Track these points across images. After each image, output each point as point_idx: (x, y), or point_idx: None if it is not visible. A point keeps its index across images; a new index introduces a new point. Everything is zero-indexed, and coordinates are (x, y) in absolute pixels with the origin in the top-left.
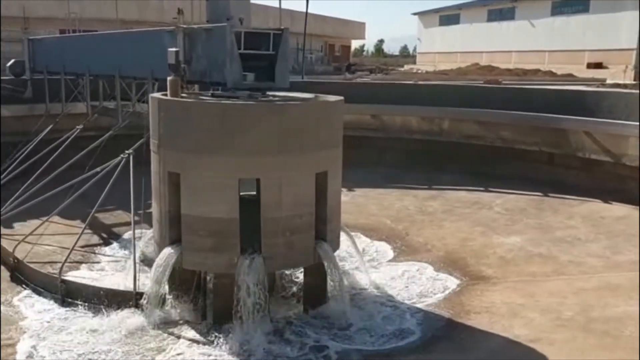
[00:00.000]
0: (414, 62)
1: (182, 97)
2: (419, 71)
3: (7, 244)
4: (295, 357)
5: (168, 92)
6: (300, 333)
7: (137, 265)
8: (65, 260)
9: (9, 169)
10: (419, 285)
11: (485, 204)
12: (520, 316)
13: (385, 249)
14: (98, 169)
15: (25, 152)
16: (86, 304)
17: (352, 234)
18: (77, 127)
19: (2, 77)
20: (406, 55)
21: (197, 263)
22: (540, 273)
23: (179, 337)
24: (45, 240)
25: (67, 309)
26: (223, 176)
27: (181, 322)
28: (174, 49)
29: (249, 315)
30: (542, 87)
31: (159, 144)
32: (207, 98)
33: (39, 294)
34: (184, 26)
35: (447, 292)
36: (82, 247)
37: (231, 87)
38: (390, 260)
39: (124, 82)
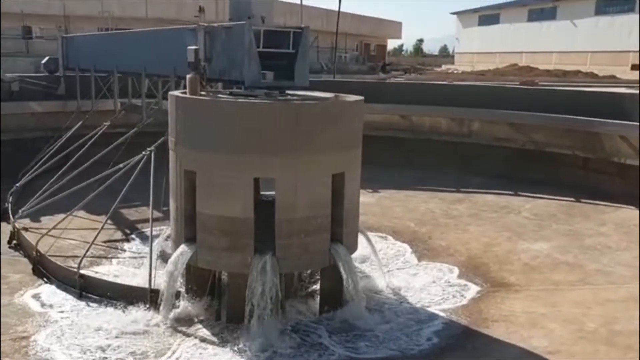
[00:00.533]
0: (453, 63)
1: (201, 95)
2: (455, 71)
3: (32, 238)
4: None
5: (187, 90)
6: (313, 336)
7: (156, 262)
8: (84, 255)
9: (39, 163)
10: (438, 290)
11: (514, 208)
12: (540, 326)
13: (407, 253)
14: (121, 165)
15: (55, 148)
16: (103, 299)
17: (374, 235)
18: (105, 123)
19: (36, 74)
20: (445, 55)
21: (210, 262)
22: (565, 282)
23: (190, 335)
24: (69, 234)
25: (84, 303)
26: (238, 175)
27: (195, 320)
28: (193, 47)
29: (261, 316)
30: (577, 89)
31: (175, 141)
32: (224, 96)
33: (59, 287)
34: (205, 24)
35: (466, 298)
36: (105, 242)
37: (249, 85)
38: (410, 264)
39: (150, 80)
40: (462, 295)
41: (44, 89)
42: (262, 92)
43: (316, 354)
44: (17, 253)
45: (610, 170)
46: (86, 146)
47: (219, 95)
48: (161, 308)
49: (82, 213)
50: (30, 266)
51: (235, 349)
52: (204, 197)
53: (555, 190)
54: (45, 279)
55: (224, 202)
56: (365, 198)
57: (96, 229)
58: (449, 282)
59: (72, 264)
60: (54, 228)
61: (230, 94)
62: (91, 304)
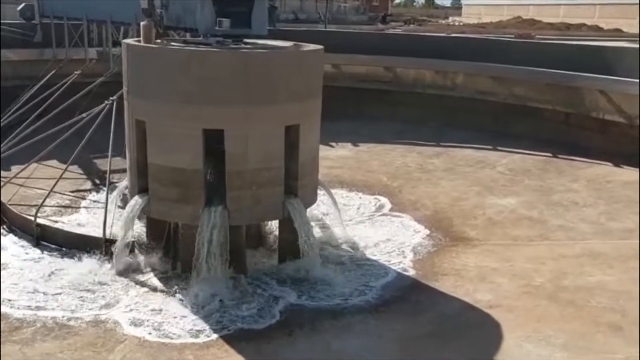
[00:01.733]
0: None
1: (156, 43)
2: (456, 23)
3: None
4: (246, 308)
5: (141, 38)
6: (262, 286)
7: (116, 212)
8: (42, 203)
9: (10, 112)
10: (396, 243)
11: (489, 163)
12: (488, 280)
13: (372, 207)
14: (84, 115)
15: (27, 97)
16: (60, 248)
17: (345, 189)
18: (75, 72)
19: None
20: (458, 7)
21: (163, 213)
22: (524, 237)
23: (139, 285)
24: (38, 183)
25: (39, 252)
26: (186, 126)
27: (149, 270)
28: None
29: (211, 267)
30: (561, 42)
31: (128, 90)
32: (176, 44)
33: (17, 235)
34: None
35: (423, 252)
36: (73, 191)
37: (203, 33)
38: (375, 218)
39: (117, 29)
40: (420, 249)
41: (20, 36)
42: (214, 41)
43: (262, 301)
44: None
45: (591, 125)
46: (54, 95)
47: (172, 44)
48: (113, 258)
49: (54, 162)
50: None
51: (182, 298)
52: (154, 148)
53: (534, 145)
54: (4, 227)
55: (173, 153)
56: (343, 151)
57: (65, 178)
58: (409, 235)
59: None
60: (15, 177)
61: (184, 42)
62: (46, 253)
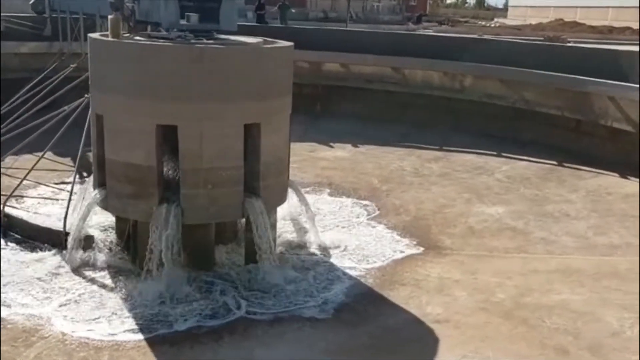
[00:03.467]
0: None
1: (122, 37)
2: (491, 25)
3: None
4: (186, 310)
5: (109, 32)
6: (212, 288)
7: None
8: (11, 194)
9: (7, 104)
10: (365, 249)
11: (489, 169)
12: (445, 293)
13: (355, 210)
14: (65, 108)
15: (26, 89)
16: (26, 240)
17: (331, 190)
18: (71, 65)
19: (24, 15)
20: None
21: (118, 208)
22: (500, 248)
23: (89, 280)
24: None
25: (4, 242)
26: (140, 121)
27: (106, 267)
28: None
29: (161, 265)
30: (582, 45)
31: (90, 84)
32: (139, 38)
33: None
34: None
35: (388, 259)
36: (58, 183)
37: (166, 27)
38: (352, 222)
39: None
40: (386, 257)
41: (30, 29)
42: (176, 35)
43: (204, 304)
44: None
45: (601, 133)
46: (47, 88)
47: (136, 38)
48: (67, 252)
49: (49, 155)
50: None
51: (125, 297)
52: (111, 143)
53: (541, 152)
54: None
55: (128, 149)
56: (341, 152)
57: (55, 170)
58: (380, 242)
59: (14, 203)
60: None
61: (149, 36)
62: (10, 243)
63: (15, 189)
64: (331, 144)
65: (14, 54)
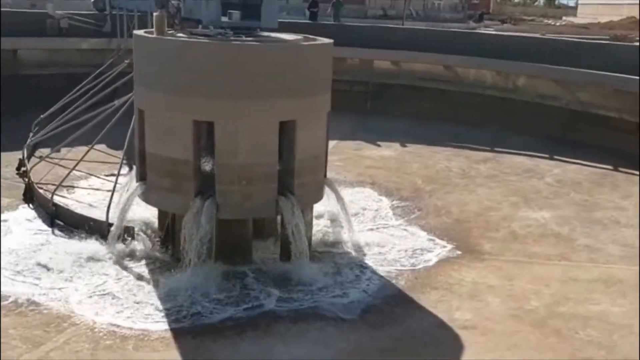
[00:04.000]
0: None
1: (166, 34)
2: (557, 23)
3: (40, 167)
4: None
5: (154, 29)
6: (241, 284)
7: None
8: (60, 184)
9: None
10: (402, 251)
11: (539, 172)
12: (478, 299)
13: (395, 211)
14: (115, 102)
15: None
16: (72, 228)
17: (372, 190)
18: (126, 61)
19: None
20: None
21: (157, 201)
22: (541, 255)
23: (127, 270)
24: (79, 166)
25: (51, 231)
26: (177, 116)
27: (144, 258)
28: None
29: (194, 260)
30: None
31: (134, 79)
32: (182, 36)
33: (38, 214)
34: None
35: (423, 262)
36: (108, 175)
37: (206, 24)
38: (391, 222)
39: None
40: (422, 258)
41: (92, 26)
42: (216, 32)
43: (233, 298)
44: (20, 180)
45: None
46: (102, 83)
47: (178, 35)
48: (108, 242)
49: (102, 147)
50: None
51: (157, 288)
52: (151, 137)
53: (596, 156)
54: (30, 205)
55: (166, 143)
56: (388, 151)
57: (107, 162)
58: (419, 244)
59: (65, 193)
60: (45, 158)
61: (191, 33)
62: (57, 232)
63: (64, 179)
64: (378, 142)
65: (76, 50)
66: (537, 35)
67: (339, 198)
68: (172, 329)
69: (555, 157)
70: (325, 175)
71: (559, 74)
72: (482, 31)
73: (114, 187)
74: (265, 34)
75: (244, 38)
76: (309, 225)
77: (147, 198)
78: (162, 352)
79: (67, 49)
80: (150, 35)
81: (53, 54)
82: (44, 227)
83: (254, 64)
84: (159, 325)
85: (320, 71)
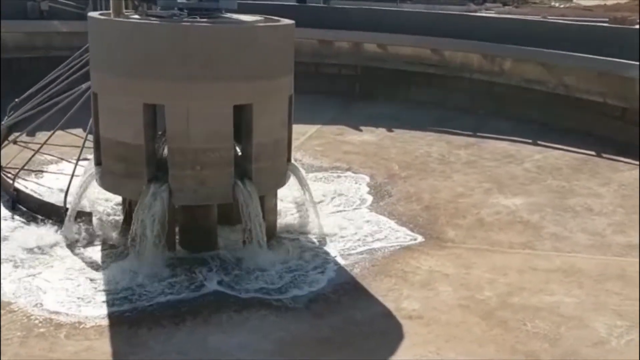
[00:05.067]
0: None
1: (123, 16)
2: (561, 6)
3: (14, 151)
4: (157, 291)
5: (111, 10)
6: (191, 270)
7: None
8: (22, 167)
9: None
10: (363, 237)
11: (520, 158)
12: (429, 287)
13: (364, 197)
14: (83, 86)
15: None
16: (32, 213)
17: (347, 176)
18: None
19: None
20: None
21: (111, 186)
22: (505, 243)
23: (77, 255)
24: (52, 150)
25: (11, 215)
26: (129, 100)
27: (100, 243)
28: None
29: (145, 246)
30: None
31: (90, 63)
32: (135, 18)
33: (3, 198)
34: None
35: (383, 249)
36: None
37: (163, 5)
38: (359, 209)
39: None
40: (382, 246)
41: (73, 9)
42: (171, 14)
43: (178, 286)
44: None
45: None
46: (78, 65)
47: (132, 17)
48: (63, 227)
49: (79, 131)
50: None
51: (103, 274)
52: (104, 121)
53: (581, 141)
54: None
55: (118, 127)
56: (369, 137)
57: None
58: (381, 230)
59: (33, 177)
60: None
61: (146, 15)
62: (17, 217)
63: (26, 163)
64: (361, 127)
65: (56, 33)
66: (524, 17)
67: (304, 184)
68: (109, 318)
69: (539, 142)
70: (289, 160)
71: (545, 57)
72: (468, 14)
73: (73, 171)
74: (227, 15)
75: (198, 19)
76: (271, 211)
77: (102, 183)
78: (93, 341)
79: (48, 32)
80: (101, 17)
81: (34, 37)
82: (5, 211)
83: (203, 45)
84: (97, 313)
85: (278, 53)
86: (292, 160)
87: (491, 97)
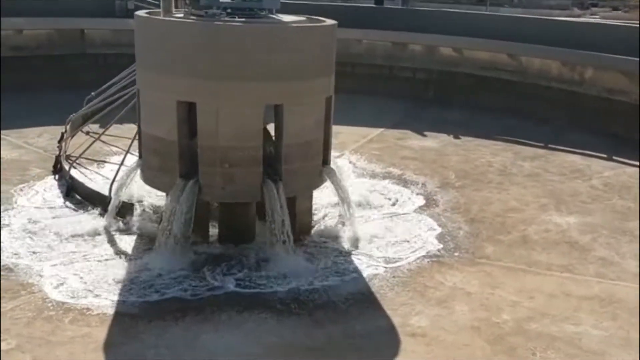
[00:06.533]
0: None
1: (171, 15)
2: None
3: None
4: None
5: (161, 9)
6: (212, 267)
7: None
8: (79, 156)
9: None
10: (396, 247)
11: (588, 174)
12: (445, 305)
13: (408, 206)
14: None
15: None
16: (84, 200)
17: (396, 183)
18: None
19: None
20: None
21: (149, 180)
22: (544, 264)
23: (112, 244)
24: (118, 142)
25: (64, 201)
26: (163, 96)
27: (138, 233)
28: None
29: (172, 239)
30: None
31: (136, 60)
32: (178, 17)
33: (60, 185)
34: None
35: (413, 261)
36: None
37: (204, 5)
38: (402, 217)
39: None
40: (412, 257)
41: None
42: (213, 13)
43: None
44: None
45: None
46: None
47: (175, 15)
48: (106, 216)
49: None
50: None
51: (128, 265)
52: (144, 116)
53: None
54: (56, 176)
55: (154, 122)
56: (430, 143)
57: None
58: (417, 241)
59: (96, 167)
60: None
61: (191, 14)
62: (68, 203)
63: (83, 153)
64: (425, 133)
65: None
66: (608, 22)
67: (339, 189)
68: (117, 307)
69: (614, 157)
70: (327, 163)
71: (629, 65)
72: (551, 18)
73: (121, 163)
74: (271, 15)
75: (236, 19)
76: (305, 213)
77: (142, 176)
78: (93, 328)
79: (132, 30)
80: (143, 15)
81: (119, 34)
82: (58, 198)
83: (234, 44)
84: (106, 302)
85: (314, 54)
86: (339, 163)
87: (569, 106)
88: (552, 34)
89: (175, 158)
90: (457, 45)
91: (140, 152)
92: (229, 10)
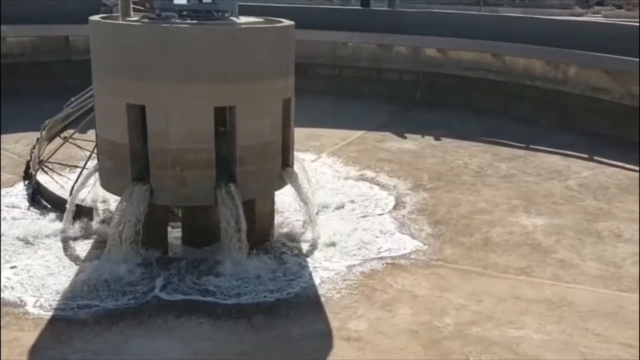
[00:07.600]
0: None
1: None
2: None
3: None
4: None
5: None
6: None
7: None
8: (43, 162)
9: None
10: (354, 250)
11: (565, 174)
12: (389, 309)
13: (374, 209)
14: None
15: None
16: (48, 205)
17: (371, 184)
18: None
19: None
20: None
21: (104, 183)
22: (501, 267)
23: (65, 249)
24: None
25: (27, 206)
26: (114, 100)
27: (95, 237)
28: None
29: (121, 245)
30: None
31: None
32: (133, 19)
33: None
34: None
35: (368, 264)
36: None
37: (158, 7)
38: (362, 221)
39: None
40: (367, 260)
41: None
42: (166, 15)
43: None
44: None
45: None
46: None
47: (127, 19)
48: (63, 221)
49: None
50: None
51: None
52: (98, 120)
53: None
54: (27, 181)
55: (107, 126)
56: (409, 145)
57: None
58: (376, 243)
59: (67, 173)
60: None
61: (146, 17)
62: (33, 208)
63: (49, 157)
64: (406, 135)
65: None
66: (592, 20)
67: (300, 191)
68: (54, 312)
69: (595, 157)
70: (288, 165)
71: (611, 63)
72: (540, 17)
73: (83, 167)
74: (231, 17)
75: (187, 21)
76: (265, 216)
77: (99, 179)
78: (25, 333)
79: None
80: (94, 20)
81: None
82: (24, 203)
83: (181, 46)
84: (46, 306)
85: (270, 55)
86: (313, 165)
87: (554, 106)
88: (537, 33)
89: (127, 161)
90: (440, 45)
91: (97, 156)
92: (184, 13)
